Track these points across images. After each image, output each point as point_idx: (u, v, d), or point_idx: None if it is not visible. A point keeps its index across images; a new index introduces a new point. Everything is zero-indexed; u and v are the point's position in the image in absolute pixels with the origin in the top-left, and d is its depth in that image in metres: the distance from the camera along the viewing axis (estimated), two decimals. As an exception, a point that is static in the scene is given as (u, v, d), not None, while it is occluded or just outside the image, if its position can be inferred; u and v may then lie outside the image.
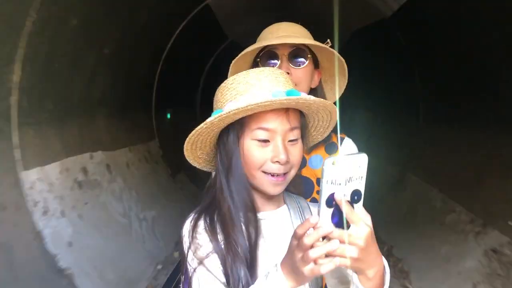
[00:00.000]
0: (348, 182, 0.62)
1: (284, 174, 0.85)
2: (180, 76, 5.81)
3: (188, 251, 0.84)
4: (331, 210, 0.63)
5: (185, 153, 0.90)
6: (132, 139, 4.18)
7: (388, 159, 5.00)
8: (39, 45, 2.43)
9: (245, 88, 0.83)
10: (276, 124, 0.82)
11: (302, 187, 1.09)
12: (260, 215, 0.89)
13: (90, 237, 2.83)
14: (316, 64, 1.24)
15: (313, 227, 0.63)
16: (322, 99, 0.84)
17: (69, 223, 2.69)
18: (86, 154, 3.19)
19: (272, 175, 0.84)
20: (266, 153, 0.83)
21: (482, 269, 2.63)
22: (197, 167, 0.98)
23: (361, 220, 0.64)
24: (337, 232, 0.63)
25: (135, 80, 4.27)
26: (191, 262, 0.84)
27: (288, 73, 1.13)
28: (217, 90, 0.89)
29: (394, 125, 5.49)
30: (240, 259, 0.82)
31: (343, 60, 1.17)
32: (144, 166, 4.26)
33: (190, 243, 0.85)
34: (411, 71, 4.61)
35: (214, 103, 0.89)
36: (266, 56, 1.19)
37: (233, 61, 1.20)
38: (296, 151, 0.85)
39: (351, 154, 0.63)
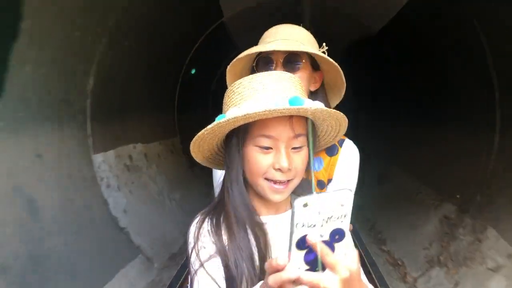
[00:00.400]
0: (327, 222, 0.56)
1: (287, 181, 0.84)
2: (196, 84, 6.67)
3: (192, 252, 0.85)
4: (304, 251, 0.56)
5: (193, 155, 0.91)
6: (161, 135, 5.05)
7: (374, 153, 5.83)
8: (105, 63, 3.29)
9: (249, 94, 0.83)
10: (279, 132, 0.81)
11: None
12: (262, 219, 0.89)
13: (137, 207, 3.68)
14: (315, 66, 1.22)
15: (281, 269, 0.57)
16: (324, 109, 0.83)
17: (123, 196, 3.54)
18: (130, 145, 4.05)
19: (275, 182, 0.84)
20: (268, 160, 0.82)
21: (436, 231, 3.46)
22: (209, 166, 0.99)
23: (339, 263, 0.56)
24: (307, 276, 0.56)
25: (163, 88, 5.14)
26: (194, 263, 0.84)
27: None
28: (225, 93, 0.90)
29: (382, 125, 6.34)
30: (244, 259, 0.82)
31: (336, 64, 1.16)
32: (170, 157, 5.11)
33: (194, 244, 0.86)
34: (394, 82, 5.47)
35: (223, 106, 0.90)
36: (261, 61, 1.19)
37: (228, 66, 1.20)
38: (299, 159, 0.84)
39: (332, 192, 0.57)
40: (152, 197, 4.05)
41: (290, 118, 0.80)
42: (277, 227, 0.90)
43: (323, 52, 1.19)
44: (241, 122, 0.81)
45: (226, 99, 0.88)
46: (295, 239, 0.55)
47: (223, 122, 0.79)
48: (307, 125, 0.84)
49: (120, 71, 3.63)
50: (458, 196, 3.44)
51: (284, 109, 0.76)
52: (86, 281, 2.56)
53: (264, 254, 0.84)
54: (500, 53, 2.95)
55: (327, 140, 1.01)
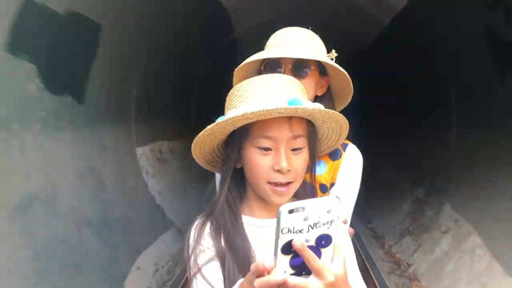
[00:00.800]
0: (313, 228, 0.57)
1: (288, 184, 0.84)
2: (208, 91, 7.55)
3: (191, 255, 0.86)
4: (290, 255, 0.58)
5: (194, 156, 0.93)
6: (183, 134, 5.92)
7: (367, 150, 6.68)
8: (144, 77, 4.17)
9: (250, 96, 0.84)
10: (278, 133, 0.81)
11: (314, 194, 1.07)
12: (263, 222, 0.90)
13: (167, 192, 4.54)
14: (323, 71, 1.22)
15: (267, 272, 0.58)
16: (323, 109, 0.83)
17: (157, 182, 4.40)
18: (160, 142, 4.92)
19: (276, 185, 0.83)
20: (268, 161, 0.82)
21: (409, 209, 4.30)
22: (209, 169, 1.00)
23: (324, 268, 0.58)
24: (293, 280, 0.57)
25: (184, 94, 6.02)
26: (192, 266, 0.85)
27: None
28: (227, 96, 0.91)
29: (374, 125, 7.19)
30: (238, 264, 0.82)
31: (345, 71, 1.16)
32: (189, 154, 5.96)
33: (194, 247, 0.87)
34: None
35: (224, 109, 0.91)
36: (269, 66, 1.19)
37: (236, 69, 1.21)
38: (299, 160, 0.84)
39: (318, 198, 0.58)
40: (177, 185, 4.92)
41: (289, 119, 0.81)
42: (265, 233, 0.87)
43: (332, 59, 1.21)
44: (240, 123, 0.81)
45: (227, 102, 0.90)
46: (280, 244, 0.56)
47: (221, 122, 0.81)
48: (307, 126, 0.86)
49: (153, 83, 4.52)
50: (428, 181, 4.28)
51: (281, 109, 0.77)
52: (139, 240, 3.43)
53: (252, 260, 0.82)
54: (455, 73, 3.80)
55: (329, 144, 1.01)
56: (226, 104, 0.90)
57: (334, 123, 0.91)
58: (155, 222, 3.92)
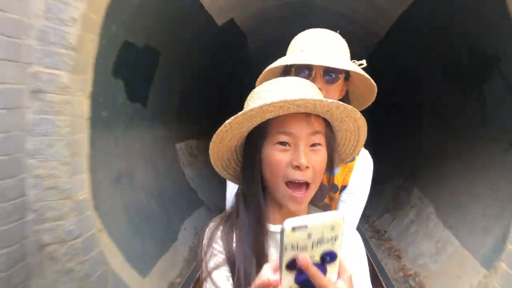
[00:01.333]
0: (317, 245, 0.57)
1: (305, 187, 0.83)
2: (225, 96, 8.72)
3: (204, 258, 0.87)
4: (295, 271, 0.58)
5: (212, 159, 0.95)
6: (209, 134, 7.09)
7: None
8: (184, 89, 5.31)
9: (268, 95, 0.84)
10: (297, 129, 0.81)
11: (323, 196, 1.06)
12: (277, 228, 0.87)
13: (198, 180, 5.67)
14: (347, 76, 1.24)
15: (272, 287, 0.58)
16: (340, 103, 0.81)
17: (191, 171, 5.53)
18: (191, 140, 6.06)
19: (294, 187, 0.82)
20: (286, 157, 0.82)
21: (391, 194, 5.40)
22: (225, 177, 1.01)
23: (330, 285, 0.58)
24: None
25: (208, 100, 7.18)
26: (204, 269, 0.86)
27: (319, 88, 1.09)
28: (246, 99, 0.91)
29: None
30: (247, 271, 0.82)
31: (374, 82, 1.20)
32: (211, 151, 7.13)
33: (206, 250, 0.87)
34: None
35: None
36: (300, 69, 1.18)
37: (266, 69, 1.21)
38: (318, 158, 0.83)
39: (321, 213, 0.57)
40: (204, 176, 6.05)
41: (307, 115, 0.81)
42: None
43: (359, 65, 1.21)
44: (259, 116, 0.80)
45: (245, 104, 0.90)
46: (285, 260, 0.56)
47: (240, 115, 0.80)
48: (324, 125, 0.85)
49: (188, 96, 5.67)
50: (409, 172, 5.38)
51: (300, 100, 0.76)
52: (183, 210, 4.57)
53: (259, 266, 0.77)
54: (428, 90, 4.92)
55: (347, 150, 0.99)
56: (245, 106, 0.90)
57: (352, 124, 0.90)
58: (192, 200, 5.06)
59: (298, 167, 0.80)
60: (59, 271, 2.40)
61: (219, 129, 0.84)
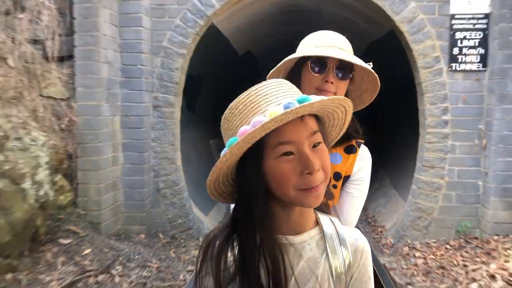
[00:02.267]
0: None
1: (320, 184, 0.80)
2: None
3: (197, 273, 0.85)
4: None
5: (209, 191, 0.88)
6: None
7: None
8: (216, 102, 7.29)
9: (255, 108, 0.81)
10: (297, 135, 0.78)
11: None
12: (286, 239, 0.85)
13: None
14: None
15: None
16: (337, 97, 0.81)
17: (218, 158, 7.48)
18: (216, 139, 8.03)
19: (307, 190, 0.78)
20: (294, 167, 0.78)
21: (378, 184, 7.33)
22: (221, 201, 0.94)
23: None
24: None
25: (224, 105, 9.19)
26: (198, 285, 0.85)
27: (332, 82, 1.20)
28: (223, 119, 0.87)
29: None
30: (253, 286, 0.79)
31: (377, 79, 1.27)
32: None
33: (200, 268, 0.85)
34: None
35: (223, 132, 0.88)
36: (315, 62, 1.22)
37: (286, 59, 1.24)
38: (323, 156, 0.81)
39: None
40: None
41: (302, 118, 0.78)
42: (305, 248, 0.85)
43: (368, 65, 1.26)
44: (260, 135, 0.76)
45: (226, 125, 0.88)
46: None
47: (241, 141, 0.75)
48: (316, 120, 0.83)
49: (220, 103, 7.66)
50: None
51: (300, 108, 0.74)
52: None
53: (279, 280, 0.79)
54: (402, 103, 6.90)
55: (334, 134, 0.98)
56: (226, 126, 0.88)
57: (341, 112, 0.89)
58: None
59: (310, 173, 0.77)
60: (168, 204, 4.40)
61: (218, 161, 0.81)
